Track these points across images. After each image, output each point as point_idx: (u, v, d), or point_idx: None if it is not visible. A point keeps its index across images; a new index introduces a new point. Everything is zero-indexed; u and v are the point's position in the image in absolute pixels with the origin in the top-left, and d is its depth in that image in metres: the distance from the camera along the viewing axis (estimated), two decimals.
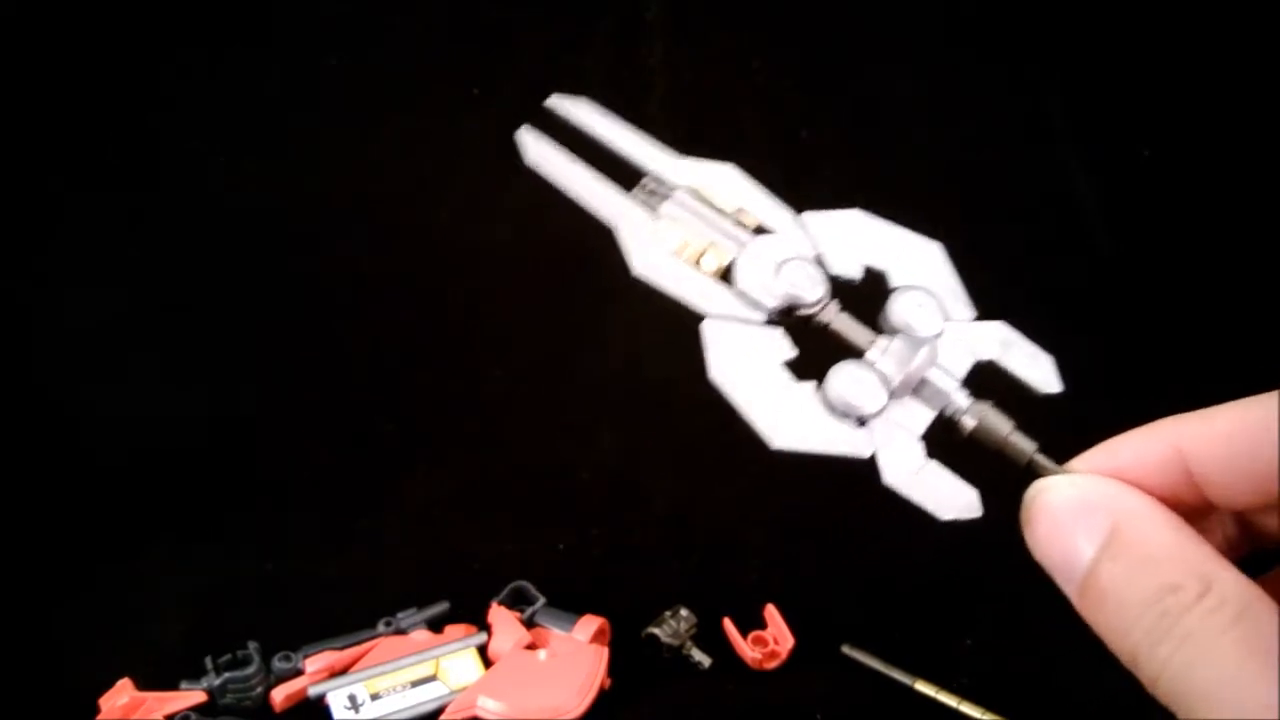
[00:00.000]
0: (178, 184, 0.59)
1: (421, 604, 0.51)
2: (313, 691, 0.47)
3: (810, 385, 0.35)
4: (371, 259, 0.59)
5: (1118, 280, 0.59)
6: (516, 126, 0.42)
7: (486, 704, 0.46)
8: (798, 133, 0.60)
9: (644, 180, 0.37)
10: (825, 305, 0.36)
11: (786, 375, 0.35)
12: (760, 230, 0.36)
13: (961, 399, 0.35)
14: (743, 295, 0.36)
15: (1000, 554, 0.53)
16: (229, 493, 0.55)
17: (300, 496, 0.56)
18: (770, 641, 0.49)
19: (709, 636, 0.50)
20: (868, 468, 0.54)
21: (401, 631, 0.49)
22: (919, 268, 0.37)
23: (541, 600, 0.50)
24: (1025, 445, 0.35)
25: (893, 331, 0.35)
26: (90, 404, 0.56)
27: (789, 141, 0.60)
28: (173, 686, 0.47)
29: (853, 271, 0.37)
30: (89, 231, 0.58)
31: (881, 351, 0.35)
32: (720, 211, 0.37)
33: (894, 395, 0.36)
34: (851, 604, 0.52)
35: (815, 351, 0.35)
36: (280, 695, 0.47)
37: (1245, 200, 0.58)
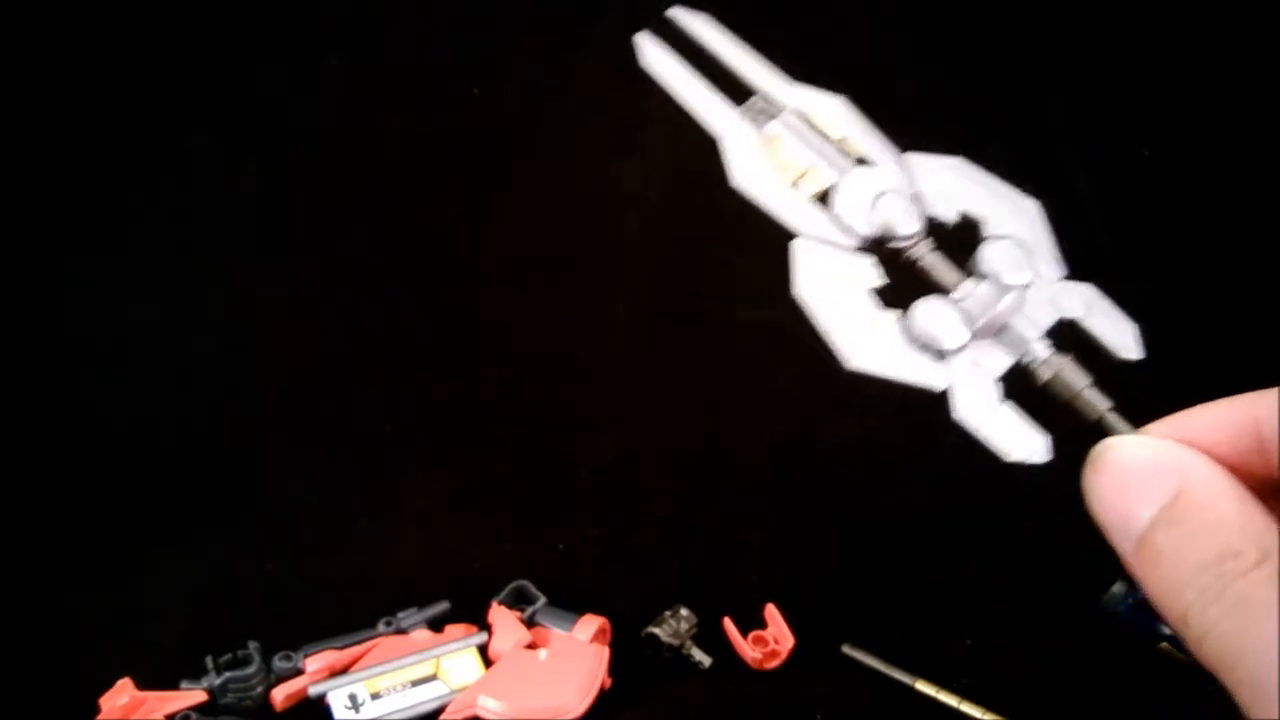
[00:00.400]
0: (177, 183, 0.59)
1: (421, 604, 0.51)
2: (313, 691, 0.47)
3: (894, 315, 0.36)
4: (371, 258, 0.59)
5: (1117, 279, 0.59)
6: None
7: (487, 703, 0.46)
8: None
9: (753, 98, 0.37)
10: (917, 242, 0.37)
11: (871, 302, 0.36)
12: (862, 162, 0.37)
13: (1041, 349, 0.36)
14: (837, 220, 0.37)
15: (1001, 554, 0.53)
16: (229, 493, 0.55)
17: (300, 496, 0.56)
18: (770, 641, 0.49)
19: (709, 636, 0.50)
20: (865, 467, 0.54)
21: (402, 631, 0.49)
22: (1014, 221, 0.38)
23: (542, 600, 0.50)
24: (1099, 402, 0.35)
25: (981, 276, 0.36)
26: (90, 404, 0.57)
27: None
28: (173, 686, 0.47)
29: (948, 215, 0.38)
30: (89, 230, 0.58)
31: (968, 293, 0.36)
32: (825, 137, 0.37)
33: (975, 336, 0.36)
34: (851, 604, 0.52)
35: (902, 285, 0.35)
36: (280, 695, 0.47)
37: (1245, 200, 0.58)
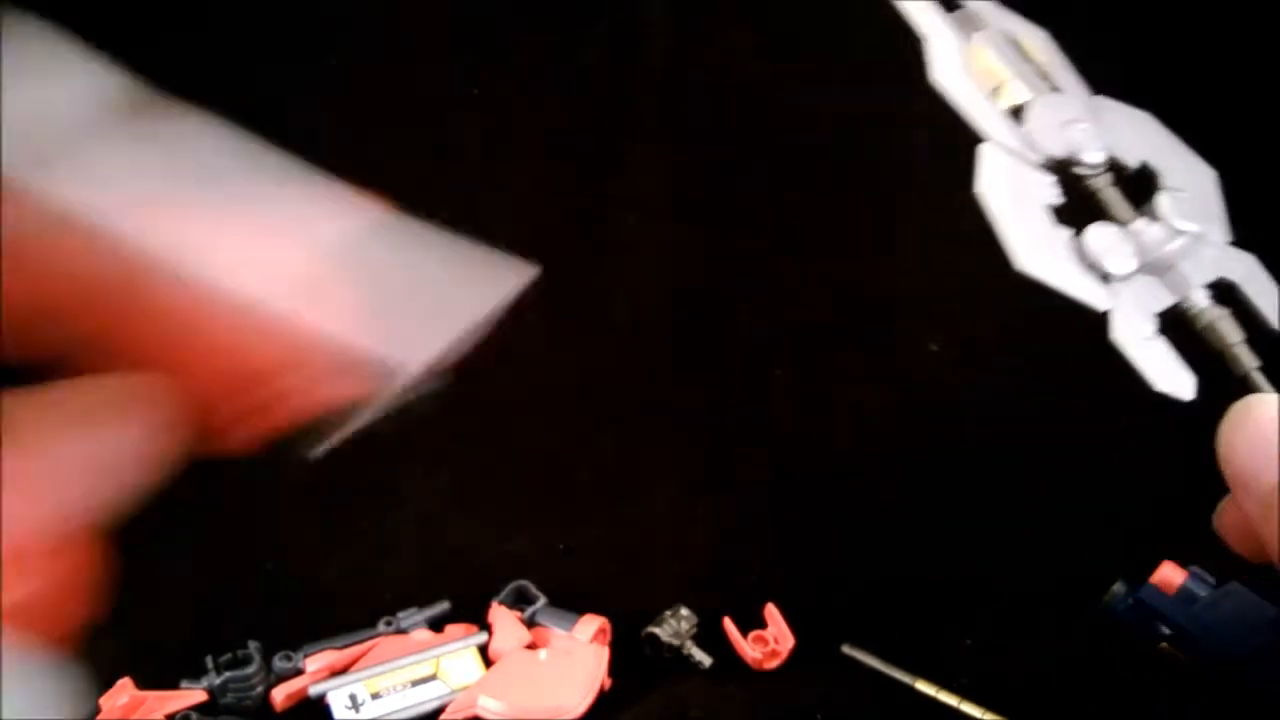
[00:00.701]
0: None
1: (422, 604, 0.51)
2: (313, 691, 0.47)
3: (1068, 232, 0.36)
4: None
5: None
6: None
7: (487, 704, 0.46)
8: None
9: (965, 7, 0.38)
10: (1100, 173, 0.37)
11: (1049, 216, 0.36)
12: (1057, 90, 0.38)
13: (1201, 297, 0.36)
14: (1028, 135, 0.37)
15: (1001, 554, 0.53)
16: (229, 492, 0.55)
17: (300, 496, 0.56)
18: (770, 641, 0.49)
19: (709, 636, 0.50)
20: (865, 467, 0.54)
21: (402, 631, 0.49)
22: (1192, 180, 0.38)
23: (542, 600, 0.50)
24: (1249, 359, 0.36)
25: (1154, 219, 0.36)
26: None
27: None
28: (173, 686, 0.47)
29: (1131, 159, 0.38)
30: None
31: (1140, 229, 0.36)
32: (1027, 58, 0.38)
33: (1142, 269, 0.37)
34: (851, 604, 0.52)
35: (1078, 211, 0.36)
36: (281, 695, 0.47)
37: (1248, 200, 0.58)
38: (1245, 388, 0.34)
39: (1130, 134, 0.39)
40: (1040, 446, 0.51)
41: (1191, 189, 0.38)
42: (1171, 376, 0.35)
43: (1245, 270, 0.38)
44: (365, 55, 0.58)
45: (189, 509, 0.57)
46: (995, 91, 0.37)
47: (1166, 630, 0.38)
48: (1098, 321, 0.46)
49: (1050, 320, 0.51)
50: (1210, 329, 0.36)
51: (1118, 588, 0.39)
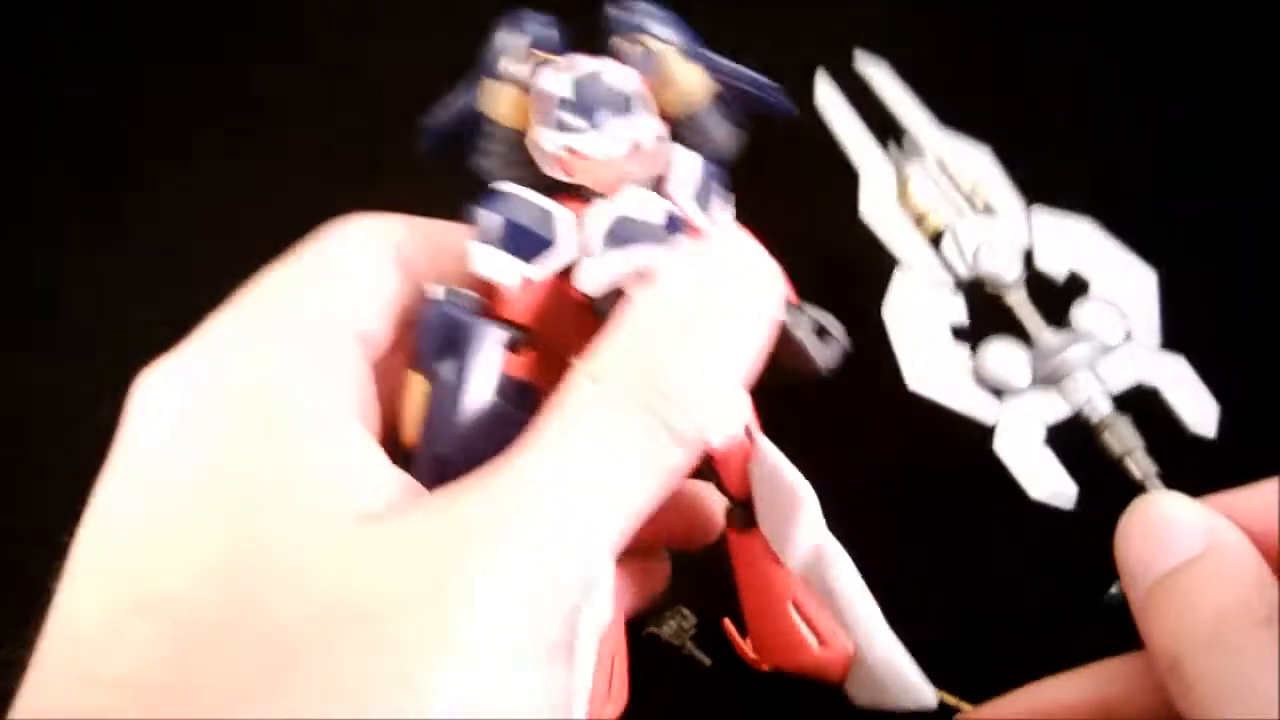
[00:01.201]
0: (177, 182, 0.59)
1: None
2: None
3: (965, 350, 0.38)
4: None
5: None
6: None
7: None
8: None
9: (904, 140, 0.41)
10: (1013, 289, 0.39)
11: (949, 335, 0.38)
12: (988, 209, 0.40)
13: (1103, 404, 0.37)
14: (944, 260, 0.39)
15: (1002, 554, 0.53)
16: None
17: None
18: None
19: (709, 636, 0.49)
20: (866, 467, 0.54)
21: None
22: (1123, 285, 0.40)
23: None
24: (1147, 465, 0.37)
25: (1066, 329, 0.38)
26: (91, 400, 0.56)
27: None
28: None
29: (1058, 271, 0.40)
30: (88, 223, 0.58)
31: (1044, 341, 0.38)
32: (956, 185, 0.40)
33: (1040, 382, 0.38)
34: None
35: (985, 326, 0.37)
36: None
37: (1251, 202, 0.58)
38: (1143, 492, 0.35)
39: (1061, 244, 0.40)
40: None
41: (1125, 293, 0.39)
42: (1050, 485, 0.37)
43: (1171, 374, 0.38)
44: (362, 53, 0.58)
45: None
46: (920, 220, 0.40)
47: None
48: None
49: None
50: (1108, 438, 0.37)
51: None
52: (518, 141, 0.37)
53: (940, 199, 0.40)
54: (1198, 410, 0.38)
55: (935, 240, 0.40)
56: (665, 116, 0.38)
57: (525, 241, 0.35)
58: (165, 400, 0.32)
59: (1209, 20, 0.60)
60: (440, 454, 0.34)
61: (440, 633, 0.27)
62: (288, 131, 0.61)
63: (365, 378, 0.35)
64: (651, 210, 0.36)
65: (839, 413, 0.52)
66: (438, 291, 0.36)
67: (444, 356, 0.35)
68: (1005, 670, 0.51)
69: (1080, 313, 0.39)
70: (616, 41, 0.37)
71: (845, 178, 0.39)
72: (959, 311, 0.39)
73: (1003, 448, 0.38)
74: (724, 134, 0.38)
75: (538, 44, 0.37)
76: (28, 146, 0.62)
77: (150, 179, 0.61)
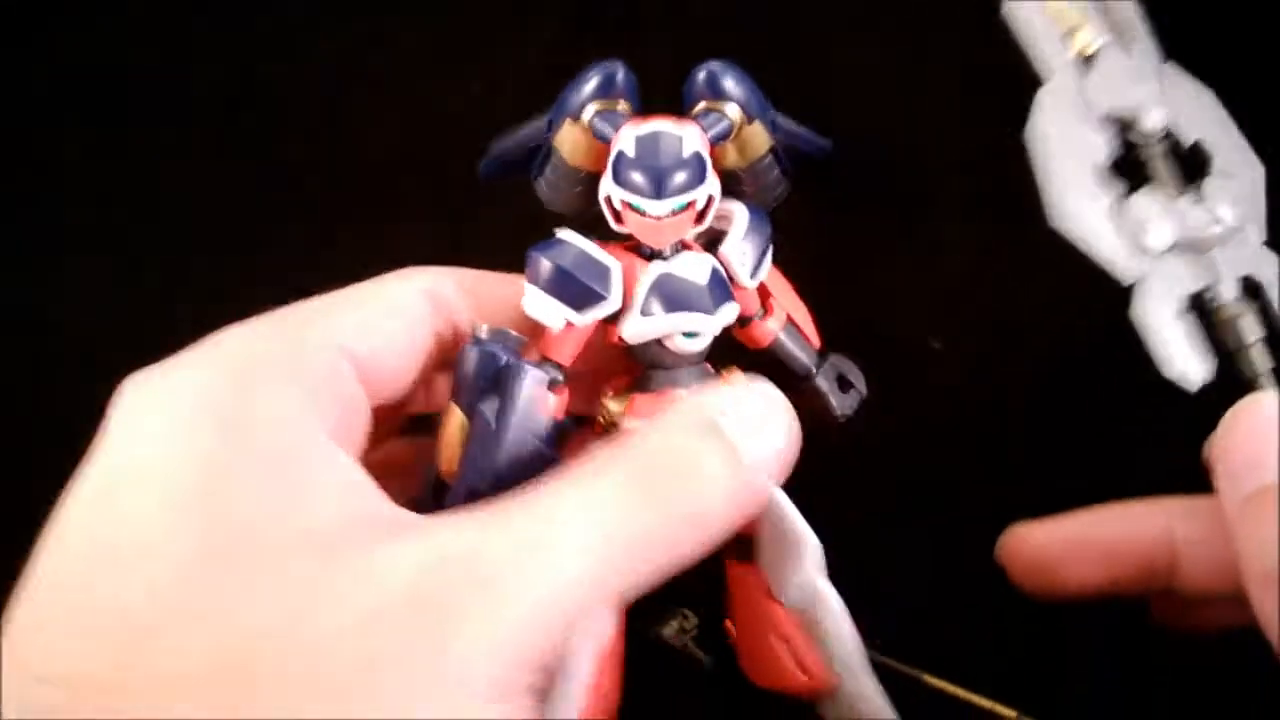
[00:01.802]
0: (179, 182, 0.59)
1: None
2: None
3: (1114, 192, 0.36)
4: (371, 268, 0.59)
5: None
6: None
7: None
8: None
9: None
10: (1154, 142, 0.37)
11: (1094, 175, 0.36)
12: (1131, 40, 0.38)
13: (1228, 289, 0.35)
14: (1092, 87, 0.37)
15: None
16: None
17: None
18: None
19: (711, 637, 0.49)
20: (866, 467, 0.54)
21: None
22: (1242, 171, 0.38)
23: None
24: (1262, 360, 0.35)
25: (1200, 200, 0.36)
26: (91, 399, 0.56)
27: None
28: None
29: (1187, 135, 0.38)
30: (85, 218, 0.58)
31: (1185, 206, 0.35)
32: (1106, 7, 0.37)
33: (1178, 247, 0.36)
34: (851, 604, 0.51)
35: (1126, 175, 0.35)
36: None
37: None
38: (1253, 388, 0.33)
39: (1190, 109, 0.38)
40: (1041, 446, 0.51)
41: (1240, 179, 0.37)
42: (1184, 363, 0.34)
43: (1273, 272, 0.37)
44: (362, 51, 0.58)
45: None
46: (1068, 35, 0.37)
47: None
48: (1103, 318, 0.46)
49: (1051, 320, 0.51)
50: (1231, 324, 0.35)
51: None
52: (583, 180, 0.40)
53: (1090, 17, 0.37)
54: None
55: (1086, 61, 0.37)
56: (726, 168, 0.40)
57: (576, 290, 0.37)
58: (146, 415, 0.33)
59: None
60: (474, 488, 0.36)
61: (414, 667, 0.27)
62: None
63: (359, 410, 0.36)
64: (696, 270, 0.38)
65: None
66: (482, 329, 0.38)
67: (485, 394, 0.37)
68: (1007, 665, 0.51)
69: (1214, 185, 0.36)
70: (694, 99, 0.39)
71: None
72: (1106, 149, 0.36)
73: (1142, 314, 0.35)
74: (779, 185, 0.41)
75: (619, 94, 0.39)
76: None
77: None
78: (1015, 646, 0.50)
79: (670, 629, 0.49)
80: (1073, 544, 0.35)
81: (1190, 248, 0.35)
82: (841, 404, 0.42)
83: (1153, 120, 0.36)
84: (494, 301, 0.40)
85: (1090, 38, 0.36)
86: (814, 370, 0.44)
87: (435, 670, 0.27)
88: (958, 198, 0.52)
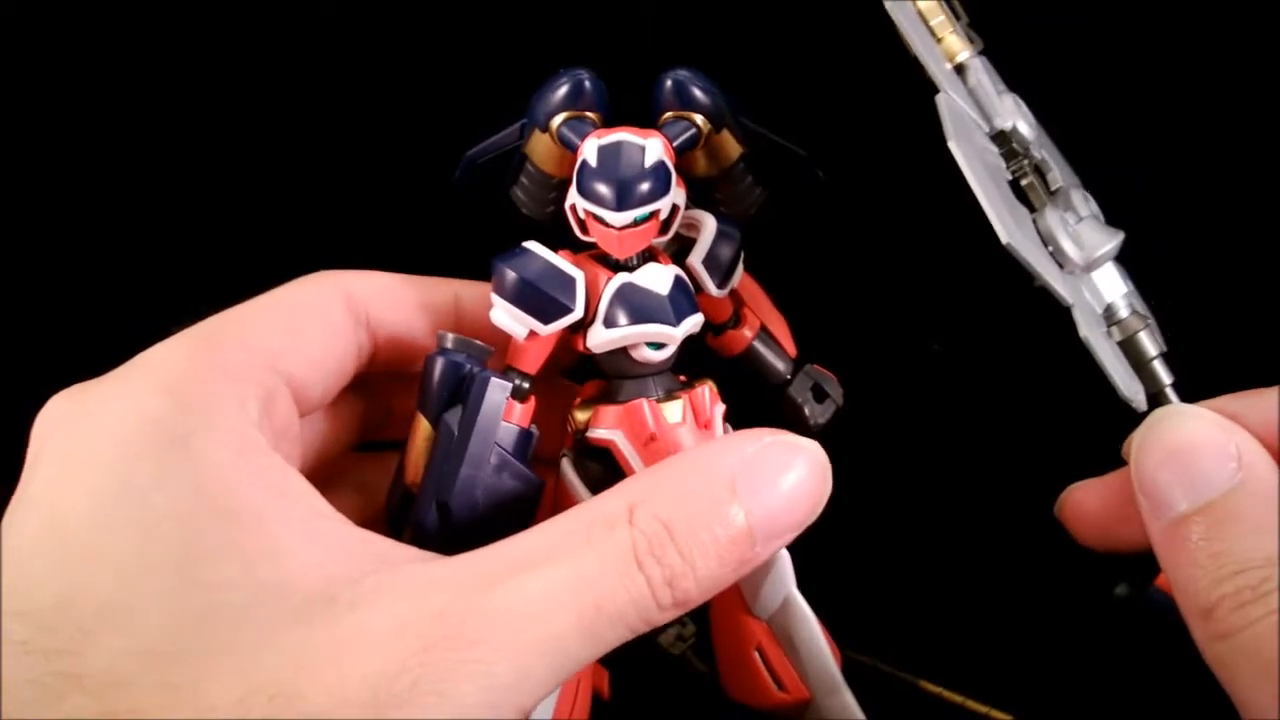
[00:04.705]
0: (177, 184, 0.59)
1: None
2: None
3: (1024, 210, 0.34)
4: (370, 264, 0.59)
5: None
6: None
7: None
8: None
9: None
10: (1026, 156, 0.35)
11: (1009, 191, 0.33)
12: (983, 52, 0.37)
13: (1122, 305, 0.34)
14: (980, 95, 0.35)
15: (1003, 554, 0.53)
16: None
17: None
18: None
19: (708, 646, 0.49)
20: (866, 467, 0.54)
21: None
22: (1073, 183, 0.36)
23: None
24: (1164, 375, 0.33)
25: (1078, 216, 0.34)
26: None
27: None
28: None
29: (1036, 150, 0.36)
30: (83, 217, 0.58)
31: (1078, 225, 0.33)
32: (958, 13, 0.37)
33: (1084, 268, 0.35)
34: (851, 604, 0.51)
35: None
36: None
37: (1249, 202, 0.57)
38: (1159, 402, 0.33)
39: (1025, 119, 0.36)
40: (1042, 446, 0.51)
41: (1076, 193, 0.36)
42: (1126, 385, 0.33)
43: (1129, 285, 0.36)
44: (360, 51, 0.58)
45: None
46: (938, 43, 0.35)
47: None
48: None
49: (1050, 321, 0.51)
50: (1132, 340, 0.34)
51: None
52: (554, 186, 0.40)
53: (953, 25, 0.36)
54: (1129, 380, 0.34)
55: (958, 71, 0.36)
56: (698, 176, 0.40)
57: (540, 300, 0.37)
58: (80, 436, 0.32)
59: None
60: (441, 499, 0.36)
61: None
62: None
63: (290, 422, 0.36)
64: (659, 281, 0.38)
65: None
66: (447, 339, 0.38)
67: (449, 404, 0.37)
68: (1007, 670, 0.50)
69: (1076, 201, 0.35)
70: (662, 107, 0.39)
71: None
72: (1001, 166, 0.34)
73: (1090, 335, 0.33)
74: (751, 192, 0.41)
75: (587, 103, 0.39)
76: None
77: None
78: (1012, 652, 0.50)
79: (668, 638, 0.49)
80: (1130, 501, 0.33)
81: (1091, 267, 0.34)
82: (816, 414, 0.42)
83: (1026, 133, 0.34)
84: (406, 304, 0.40)
85: (958, 47, 0.35)
86: (789, 378, 0.44)
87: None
88: (957, 198, 0.52)
